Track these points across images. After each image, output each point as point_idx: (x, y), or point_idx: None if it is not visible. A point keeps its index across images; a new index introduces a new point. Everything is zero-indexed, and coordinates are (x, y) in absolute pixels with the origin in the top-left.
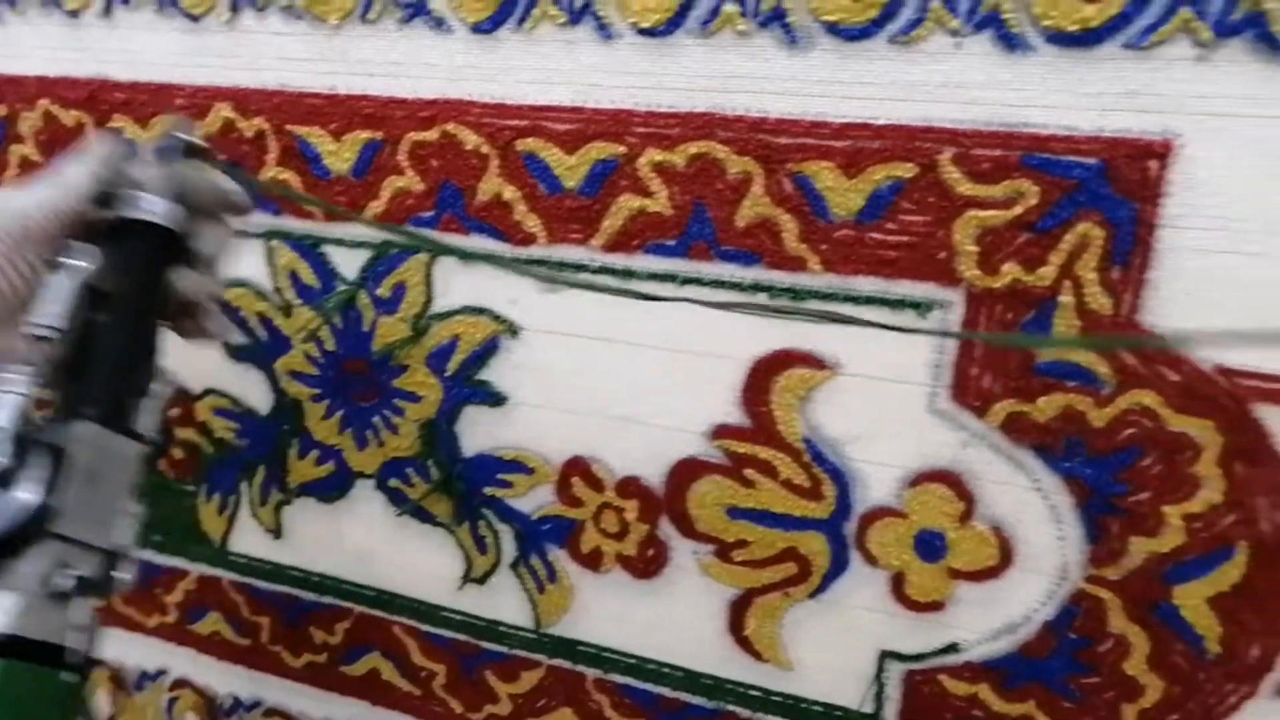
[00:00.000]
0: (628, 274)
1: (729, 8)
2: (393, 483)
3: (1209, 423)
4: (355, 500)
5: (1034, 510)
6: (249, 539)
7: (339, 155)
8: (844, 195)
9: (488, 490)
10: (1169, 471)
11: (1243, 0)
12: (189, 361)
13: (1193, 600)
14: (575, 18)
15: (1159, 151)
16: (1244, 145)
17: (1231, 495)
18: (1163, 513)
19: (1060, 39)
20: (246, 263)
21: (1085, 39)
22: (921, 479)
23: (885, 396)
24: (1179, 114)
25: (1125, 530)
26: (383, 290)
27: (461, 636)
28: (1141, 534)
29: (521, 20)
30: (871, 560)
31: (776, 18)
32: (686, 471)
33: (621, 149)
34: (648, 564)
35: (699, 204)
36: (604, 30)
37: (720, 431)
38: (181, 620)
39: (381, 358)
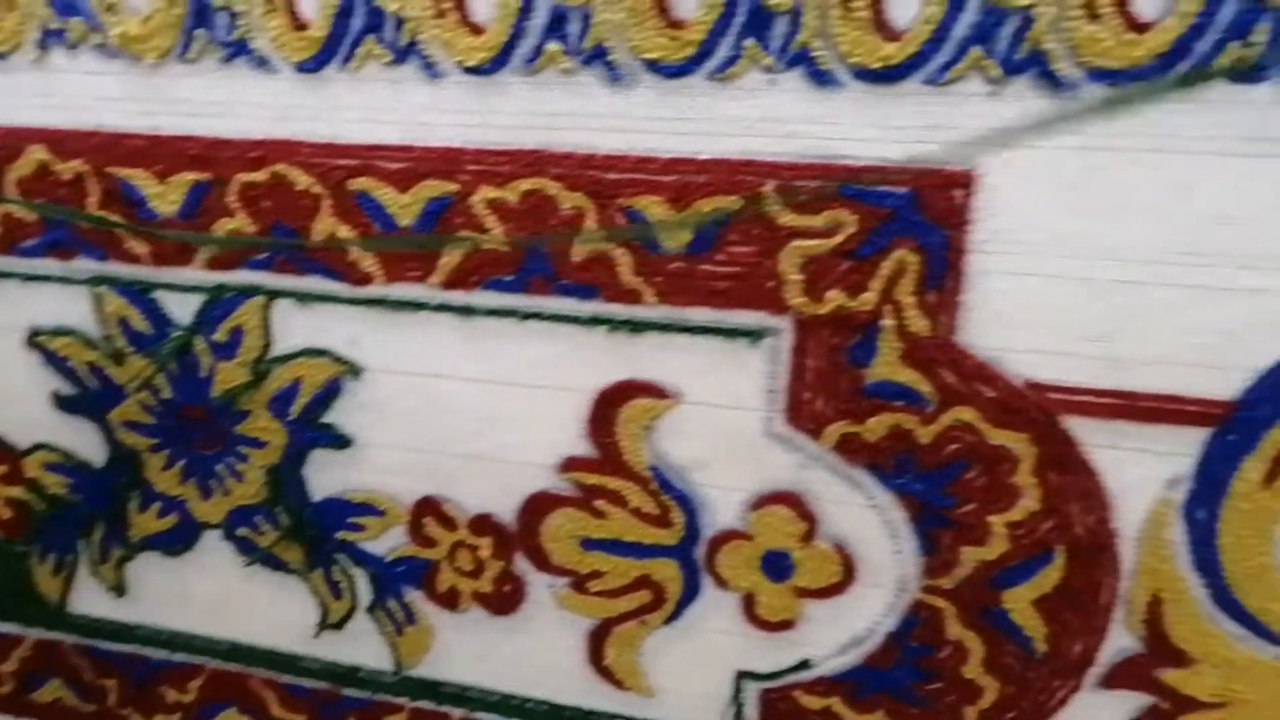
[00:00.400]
0: (468, 310)
1: (552, 46)
2: (241, 531)
3: (1024, 435)
4: (202, 552)
5: (872, 527)
6: (90, 598)
7: (165, 198)
8: (674, 229)
9: (339, 534)
10: (991, 483)
11: (1026, 40)
12: (15, 415)
13: (1020, 603)
14: (400, 56)
15: (962, 181)
16: (1036, 175)
17: (1048, 503)
18: (988, 522)
19: (866, 75)
20: (72, 310)
21: (889, 75)
22: (764, 501)
23: (724, 423)
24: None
25: (955, 541)
26: (219, 335)
27: (321, 685)
28: (970, 544)
29: (347, 59)
30: (722, 583)
31: (598, 56)
32: (538, 505)
33: (454, 187)
34: (505, 600)
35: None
36: (430, 69)
37: (569, 464)
38: (19, 690)
39: (222, 404)
